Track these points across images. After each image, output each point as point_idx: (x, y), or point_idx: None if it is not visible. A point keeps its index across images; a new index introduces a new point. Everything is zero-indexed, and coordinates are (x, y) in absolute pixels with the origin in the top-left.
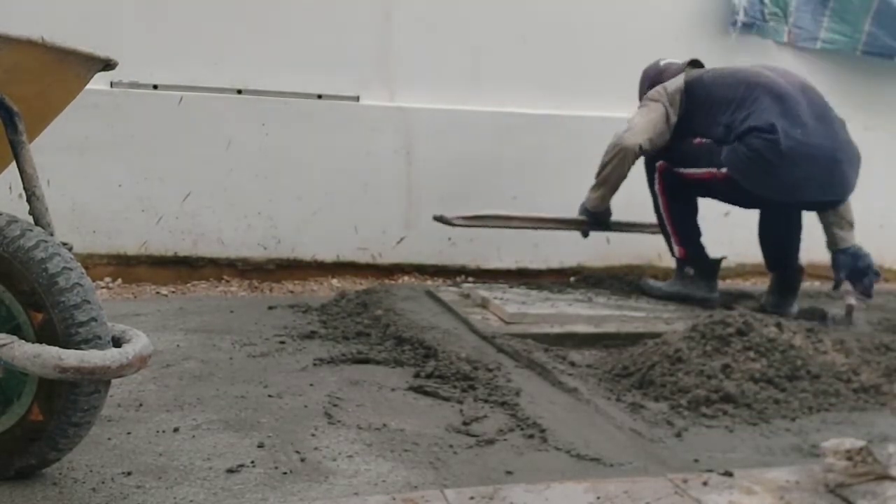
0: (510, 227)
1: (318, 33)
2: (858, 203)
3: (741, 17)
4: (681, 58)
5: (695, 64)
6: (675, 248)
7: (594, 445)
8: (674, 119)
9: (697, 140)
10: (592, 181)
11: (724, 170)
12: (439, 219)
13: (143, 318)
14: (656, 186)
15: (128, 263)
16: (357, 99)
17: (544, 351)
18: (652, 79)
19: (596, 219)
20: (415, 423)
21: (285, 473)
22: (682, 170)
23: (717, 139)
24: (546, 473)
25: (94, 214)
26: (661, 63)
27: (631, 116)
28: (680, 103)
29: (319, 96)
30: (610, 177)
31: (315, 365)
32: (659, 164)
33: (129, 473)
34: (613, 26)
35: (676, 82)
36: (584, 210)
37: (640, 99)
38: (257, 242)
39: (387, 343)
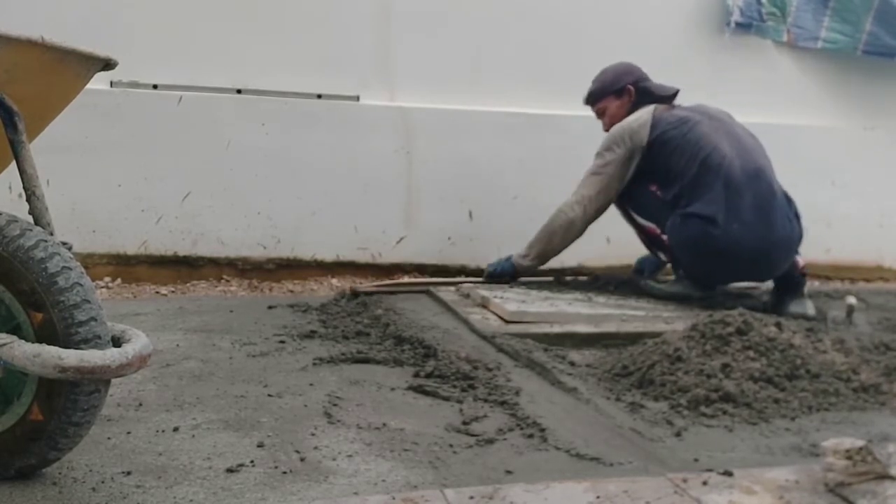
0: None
1: (318, 33)
2: (858, 203)
3: (735, 17)
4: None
5: (662, 97)
6: (661, 255)
7: (594, 445)
8: (629, 176)
9: (654, 188)
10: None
11: (665, 237)
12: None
13: (142, 317)
14: (621, 213)
15: (127, 263)
16: (357, 99)
17: (544, 350)
18: (636, 76)
19: (514, 276)
20: (415, 423)
21: (285, 473)
22: (634, 214)
23: (668, 201)
24: (546, 473)
25: (94, 214)
26: (645, 73)
27: (584, 177)
28: (640, 158)
29: (319, 96)
30: (551, 249)
31: (315, 364)
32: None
33: (128, 473)
34: (614, 26)
35: (641, 134)
36: (511, 267)
37: (603, 90)
38: (257, 242)
39: (387, 343)
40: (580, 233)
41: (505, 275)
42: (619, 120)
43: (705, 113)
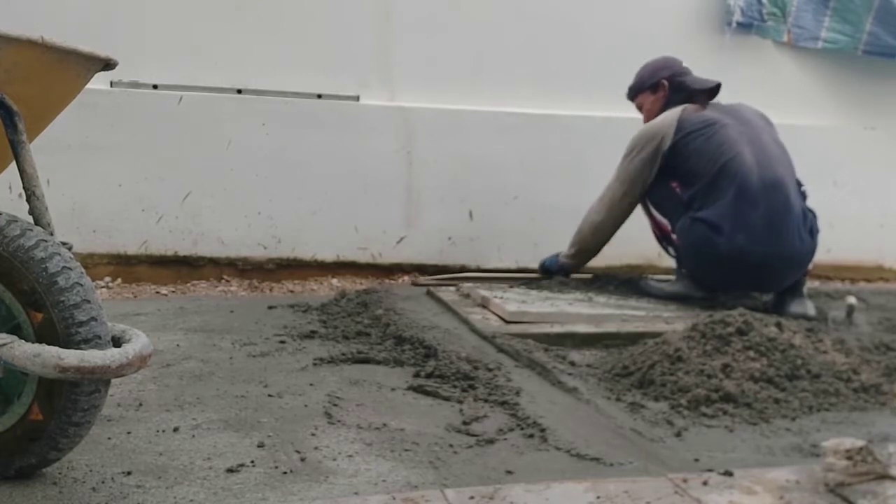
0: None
1: (318, 33)
2: (859, 203)
3: (736, 17)
4: (685, 58)
5: (697, 92)
6: (670, 249)
7: (594, 445)
8: (652, 176)
9: (674, 184)
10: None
11: (674, 236)
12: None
13: (143, 317)
14: (640, 205)
15: (128, 263)
16: (357, 99)
17: (544, 350)
18: (673, 71)
19: (567, 273)
20: (415, 423)
21: (285, 473)
22: (651, 207)
23: (684, 201)
24: (546, 473)
25: (94, 214)
26: (686, 67)
27: (611, 179)
28: (662, 158)
29: (319, 96)
30: (587, 250)
31: (315, 364)
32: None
33: (129, 473)
34: (615, 26)
35: (665, 136)
36: (560, 268)
37: (641, 85)
38: (257, 242)
39: (387, 343)
40: (610, 234)
41: (552, 269)
42: (654, 115)
43: (737, 115)
